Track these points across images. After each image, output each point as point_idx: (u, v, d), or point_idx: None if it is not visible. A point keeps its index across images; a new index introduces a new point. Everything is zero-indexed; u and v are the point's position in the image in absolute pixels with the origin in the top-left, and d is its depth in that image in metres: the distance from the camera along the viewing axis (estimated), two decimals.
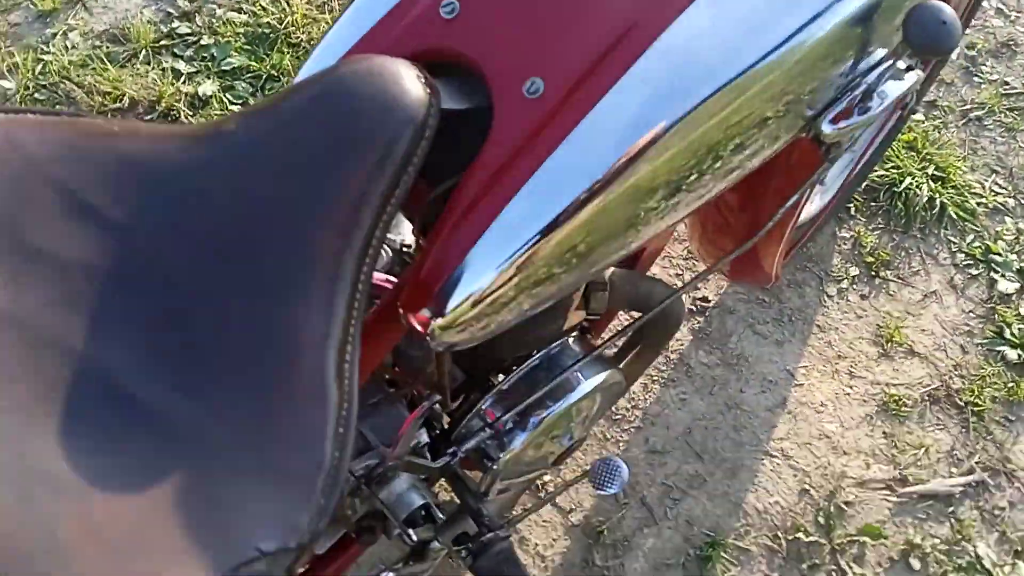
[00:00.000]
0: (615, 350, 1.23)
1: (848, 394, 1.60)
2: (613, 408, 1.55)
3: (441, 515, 0.98)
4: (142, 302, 0.56)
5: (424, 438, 0.96)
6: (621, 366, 1.24)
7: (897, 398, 1.58)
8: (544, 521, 1.44)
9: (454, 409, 1.02)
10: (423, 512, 0.96)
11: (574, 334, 1.08)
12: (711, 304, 1.68)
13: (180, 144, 0.60)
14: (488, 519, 1.14)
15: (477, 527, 1.12)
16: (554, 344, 1.04)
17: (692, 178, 0.74)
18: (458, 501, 1.14)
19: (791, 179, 1.18)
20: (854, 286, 1.70)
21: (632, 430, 1.54)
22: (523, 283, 0.68)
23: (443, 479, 1.16)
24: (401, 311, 0.69)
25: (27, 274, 0.54)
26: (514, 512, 1.37)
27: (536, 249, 0.66)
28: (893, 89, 0.78)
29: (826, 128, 0.75)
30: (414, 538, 0.94)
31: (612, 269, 1.06)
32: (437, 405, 0.90)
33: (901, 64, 0.80)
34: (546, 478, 1.45)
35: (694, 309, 1.67)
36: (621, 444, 1.52)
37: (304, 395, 0.56)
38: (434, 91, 0.63)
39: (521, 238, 0.65)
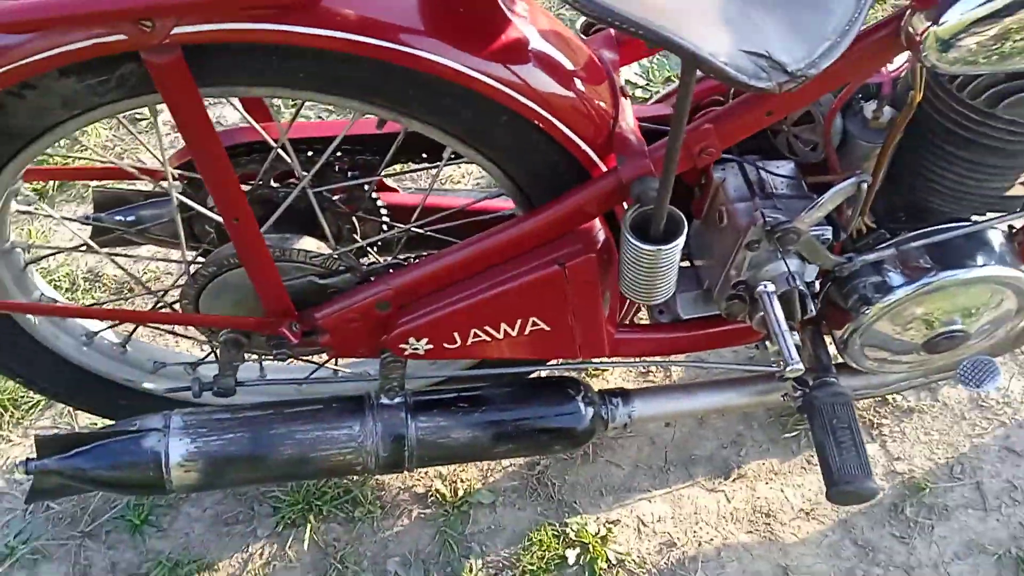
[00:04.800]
0: None
1: None
2: (982, 396, 1.51)
3: (813, 310, 1.07)
4: None
5: (828, 235, 1.06)
6: None
7: None
8: (871, 456, 1.45)
9: (864, 235, 1.11)
10: (800, 297, 1.06)
11: (1004, 228, 1.11)
12: None
13: None
14: (835, 374, 1.21)
15: (820, 376, 1.20)
16: (986, 219, 1.07)
17: None
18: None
19: None
20: None
21: (995, 422, 1.49)
22: (1019, 23, 0.76)
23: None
24: (902, 23, 0.81)
25: None
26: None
27: None
28: None
29: None
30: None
31: None
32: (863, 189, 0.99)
33: None
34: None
35: None
36: (977, 428, 1.48)
37: None
38: None
39: None
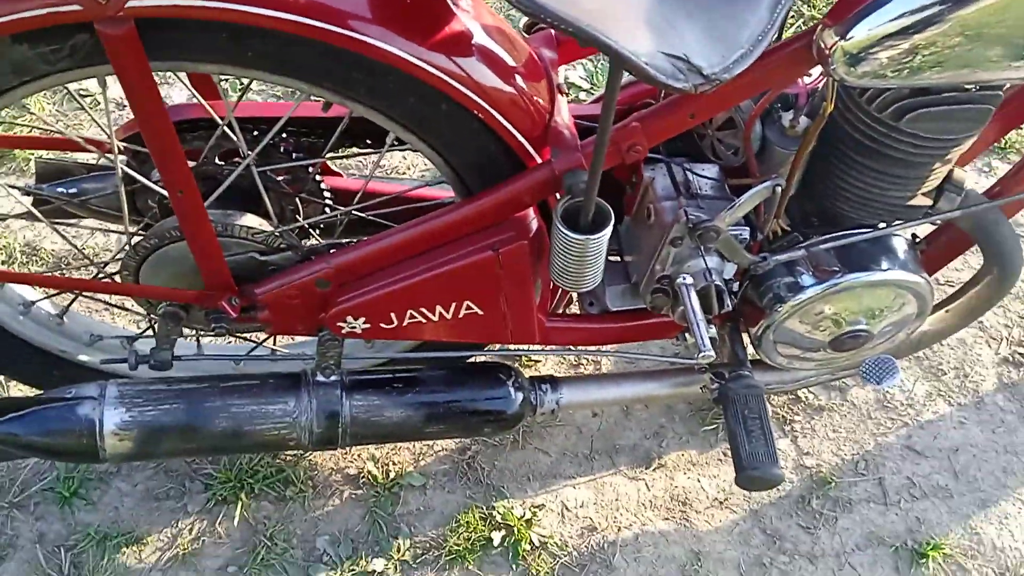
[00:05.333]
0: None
1: None
2: (886, 393, 1.60)
3: (729, 304, 1.13)
4: None
5: (746, 235, 1.12)
6: (946, 309, 1.33)
7: None
8: (779, 449, 1.53)
9: (780, 237, 1.18)
10: (717, 291, 1.12)
11: (908, 236, 1.19)
12: None
13: None
14: (749, 368, 1.28)
15: (736, 369, 1.26)
16: (889, 227, 1.15)
17: None
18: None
19: None
20: None
21: (899, 422, 1.58)
22: (926, 42, 0.83)
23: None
24: (813, 37, 0.88)
25: None
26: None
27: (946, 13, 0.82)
28: None
29: None
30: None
31: (972, 183, 1.15)
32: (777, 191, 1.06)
33: None
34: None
35: (1010, 359, 1.66)
36: (882, 427, 1.57)
37: (746, 2, 0.78)
38: None
39: None
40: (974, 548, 1.45)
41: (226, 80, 1.82)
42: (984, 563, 1.43)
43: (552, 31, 1.15)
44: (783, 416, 1.58)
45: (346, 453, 1.49)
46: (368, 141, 1.16)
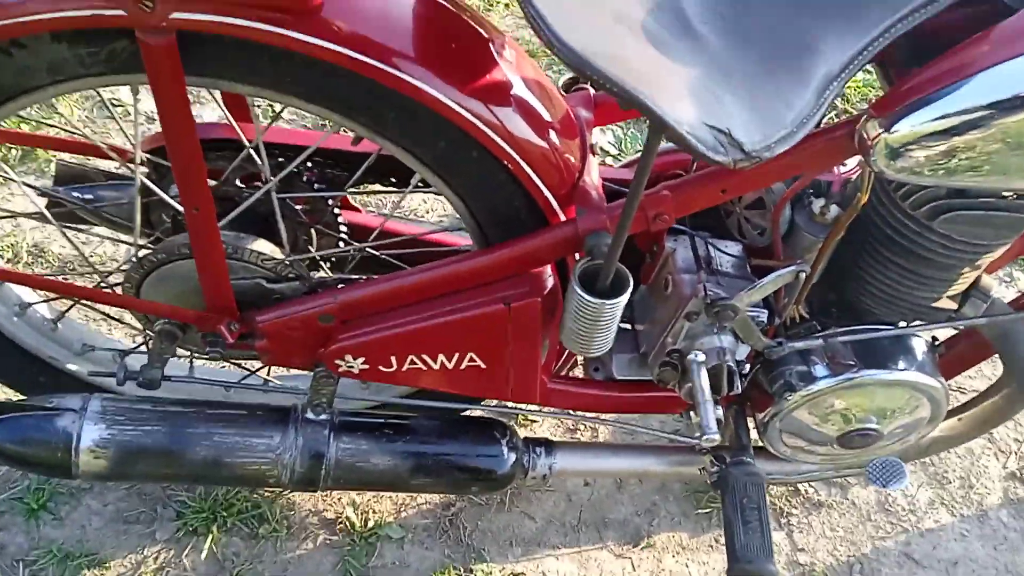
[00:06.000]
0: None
1: None
2: (886, 496, 1.56)
3: (739, 387, 1.11)
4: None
5: (763, 318, 1.11)
6: (959, 417, 1.30)
7: None
8: (774, 542, 1.48)
9: (797, 324, 1.16)
10: (728, 372, 1.10)
11: (928, 338, 1.17)
12: None
13: None
14: (752, 455, 1.25)
15: (738, 454, 1.24)
16: (910, 326, 1.13)
17: None
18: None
19: None
20: None
21: (899, 527, 1.54)
22: (965, 145, 0.83)
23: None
24: (856, 127, 0.87)
25: None
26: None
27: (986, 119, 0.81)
28: None
29: None
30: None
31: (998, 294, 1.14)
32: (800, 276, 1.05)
33: None
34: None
35: (1017, 475, 1.63)
36: (881, 531, 1.53)
37: (793, 84, 0.78)
38: None
39: (985, 99, 0.81)
40: None
41: (258, 105, 1.83)
42: None
43: (591, 92, 1.15)
44: (781, 508, 1.54)
45: (326, 496, 1.45)
46: (393, 180, 1.15)
